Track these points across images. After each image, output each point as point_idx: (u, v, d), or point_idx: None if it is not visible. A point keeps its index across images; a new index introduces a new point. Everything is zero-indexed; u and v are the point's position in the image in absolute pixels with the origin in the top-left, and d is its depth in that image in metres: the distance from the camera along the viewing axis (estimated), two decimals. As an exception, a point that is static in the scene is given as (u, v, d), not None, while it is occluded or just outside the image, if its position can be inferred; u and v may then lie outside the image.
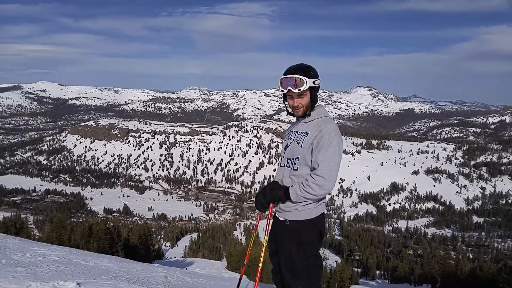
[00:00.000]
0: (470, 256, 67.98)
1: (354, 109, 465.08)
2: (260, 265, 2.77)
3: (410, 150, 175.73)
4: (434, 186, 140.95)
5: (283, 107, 2.83)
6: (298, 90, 2.59)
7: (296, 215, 2.61)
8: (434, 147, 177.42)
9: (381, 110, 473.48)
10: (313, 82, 2.62)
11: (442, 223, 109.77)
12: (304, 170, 2.59)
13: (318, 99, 2.76)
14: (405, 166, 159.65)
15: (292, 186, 2.58)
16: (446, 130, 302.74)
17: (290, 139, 2.81)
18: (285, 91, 2.66)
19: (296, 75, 2.59)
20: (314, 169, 2.50)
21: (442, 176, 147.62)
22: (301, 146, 2.63)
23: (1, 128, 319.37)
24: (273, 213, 2.82)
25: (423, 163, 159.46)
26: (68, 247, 11.06)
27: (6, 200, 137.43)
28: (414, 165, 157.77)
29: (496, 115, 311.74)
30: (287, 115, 2.89)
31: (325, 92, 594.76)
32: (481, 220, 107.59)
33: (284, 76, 2.65)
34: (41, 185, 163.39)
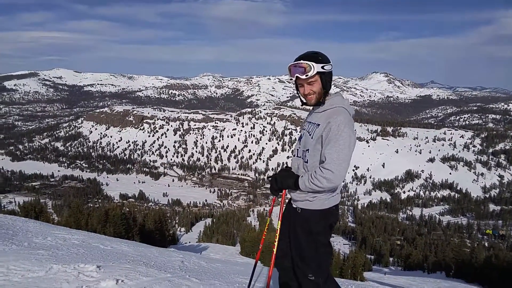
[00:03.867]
0: (486, 244, 67.32)
1: (370, 96, 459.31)
2: (275, 250, 2.76)
3: (426, 137, 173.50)
4: (450, 174, 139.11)
5: (298, 93, 2.77)
6: (306, 76, 2.53)
7: (307, 205, 2.60)
8: (451, 134, 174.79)
9: (397, 96, 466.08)
10: (322, 67, 2.53)
11: (457, 211, 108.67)
12: (314, 162, 2.55)
13: (332, 86, 2.67)
14: (420, 153, 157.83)
15: (302, 176, 2.56)
16: (464, 117, 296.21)
17: (304, 129, 2.77)
18: (293, 78, 2.62)
19: (302, 61, 2.53)
20: (323, 162, 2.44)
21: (459, 163, 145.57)
22: (312, 138, 2.58)
23: (19, 114, 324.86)
24: (286, 199, 2.83)
25: (439, 150, 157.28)
26: (86, 231, 11.30)
27: (25, 185, 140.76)
28: (430, 153, 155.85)
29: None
30: (301, 105, 2.83)
31: (340, 78, 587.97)
32: (498, 208, 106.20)
33: (291, 63, 2.59)
34: (58, 171, 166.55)
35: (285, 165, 3.02)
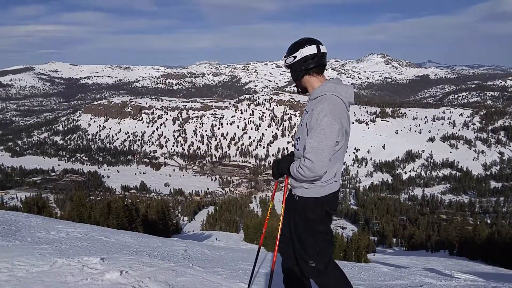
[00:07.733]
0: (488, 221, 67.84)
1: (368, 78, 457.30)
2: (279, 234, 2.76)
3: (426, 117, 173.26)
4: (450, 152, 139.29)
5: None
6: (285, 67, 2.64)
7: (303, 192, 2.55)
8: (450, 113, 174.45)
9: (395, 77, 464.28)
10: (285, 61, 2.59)
11: (459, 190, 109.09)
12: (303, 150, 2.45)
13: (301, 76, 2.57)
14: (420, 133, 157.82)
15: (293, 163, 2.54)
16: (463, 95, 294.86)
17: (302, 117, 2.73)
18: None
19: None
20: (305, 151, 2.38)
21: (459, 142, 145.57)
22: (301, 126, 2.54)
23: (16, 110, 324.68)
24: (289, 186, 2.78)
25: (439, 129, 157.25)
26: (89, 224, 11.35)
27: (26, 180, 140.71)
28: (429, 132, 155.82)
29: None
30: None
31: (337, 61, 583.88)
32: (499, 185, 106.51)
33: None
34: (59, 165, 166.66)
35: (285, 152, 2.96)
